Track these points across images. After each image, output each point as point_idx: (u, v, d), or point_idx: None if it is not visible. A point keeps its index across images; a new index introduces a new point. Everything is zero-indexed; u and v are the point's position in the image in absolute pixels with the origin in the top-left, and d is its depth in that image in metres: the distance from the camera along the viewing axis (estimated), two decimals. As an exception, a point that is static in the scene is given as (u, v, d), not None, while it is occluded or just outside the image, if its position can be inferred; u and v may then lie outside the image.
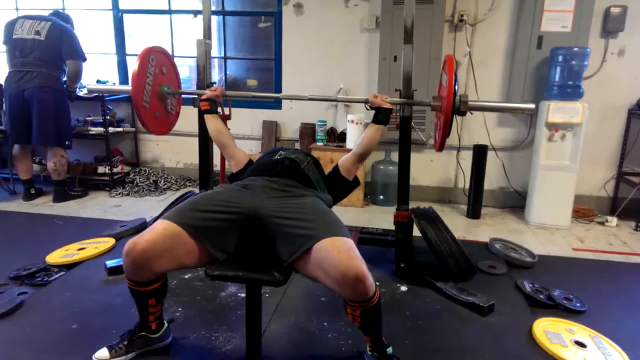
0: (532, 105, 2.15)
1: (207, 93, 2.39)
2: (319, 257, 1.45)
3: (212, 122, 2.33)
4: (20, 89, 3.51)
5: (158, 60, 2.41)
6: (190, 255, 1.56)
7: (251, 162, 2.15)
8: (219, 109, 2.73)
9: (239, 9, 4.38)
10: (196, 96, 2.61)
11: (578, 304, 2.23)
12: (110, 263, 2.46)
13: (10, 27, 3.58)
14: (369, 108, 2.27)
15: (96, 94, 4.02)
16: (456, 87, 1.99)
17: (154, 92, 2.41)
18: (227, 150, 2.24)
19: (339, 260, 1.39)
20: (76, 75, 3.72)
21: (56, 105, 3.59)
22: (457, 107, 2.03)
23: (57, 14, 3.80)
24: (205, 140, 2.64)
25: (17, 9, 4.63)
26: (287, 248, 1.54)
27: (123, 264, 1.54)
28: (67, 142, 3.76)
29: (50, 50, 3.55)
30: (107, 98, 4.10)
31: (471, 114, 2.16)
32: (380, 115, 2.20)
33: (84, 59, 3.73)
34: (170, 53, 4.35)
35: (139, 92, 2.28)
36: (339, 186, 2.12)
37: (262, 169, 1.93)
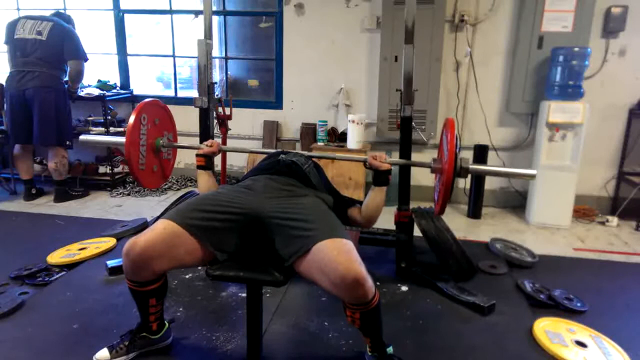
0: (534, 172, 2.06)
1: (204, 149, 2.20)
2: (318, 259, 1.45)
3: (203, 179, 2.15)
4: (21, 89, 3.52)
5: (150, 115, 2.29)
6: (190, 254, 1.56)
7: None
8: (220, 109, 2.75)
9: (240, 9, 4.38)
10: (196, 96, 2.62)
11: (579, 304, 2.23)
12: (111, 263, 2.47)
13: (12, 27, 3.59)
14: (367, 167, 2.14)
15: (97, 95, 4.03)
16: (457, 151, 1.95)
17: (149, 146, 2.30)
18: None
19: (338, 263, 1.39)
20: (78, 76, 3.72)
21: (57, 105, 3.60)
22: (458, 172, 1.98)
23: (58, 14, 3.81)
24: (205, 140, 2.64)
25: (18, 9, 4.64)
26: (287, 249, 1.54)
27: (123, 264, 1.54)
28: (67, 142, 3.76)
29: (52, 50, 3.56)
30: (107, 98, 4.11)
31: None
32: (381, 177, 2.08)
33: (86, 59, 3.74)
34: (171, 54, 4.41)
35: (134, 156, 2.19)
36: (339, 215, 2.03)
37: (264, 168, 1.95)
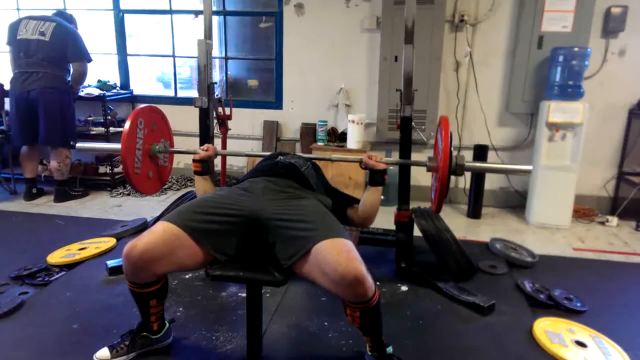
0: (530, 167, 2.09)
1: (200, 154, 2.20)
2: (318, 259, 1.45)
3: (201, 184, 2.16)
4: (25, 90, 3.52)
5: (147, 120, 2.32)
6: (190, 257, 1.56)
7: None
8: (220, 109, 2.75)
9: (239, 9, 4.38)
10: (196, 96, 2.62)
11: (578, 304, 2.23)
12: (111, 263, 2.47)
13: (15, 27, 3.58)
14: (363, 168, 2.15)
15: (97, 95, 4.03)
16: (452, 149, 1.95)
17: (145, 152, 2.32)
18: None
19: (338, 262, 1.39)
20: (81, 77, 3.73)
21: (62, 106, 3.60)
22: (454, 170, 1.99)
23: (60, 14, 3.80)
24: (205, 141, 2.64)
25: (18, 9, 4.64)
26: (286, 250, 1.54)
27: (123, 266, 1.55)
28: (72, 142, 3.77)
29: (55, 51, 3.55)
30: (107, 98, 4.11)
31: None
32: (377, 177, 2.07)
33: (89, 60, 3.73)
34: (171, 54, 4.41)
35: (130, 160, 2.20)
36: (337, 213, 2.01)
37: (262, 170, 1.95)
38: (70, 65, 3.67)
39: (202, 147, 2.26)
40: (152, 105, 2.41)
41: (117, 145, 2.19)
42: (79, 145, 2.47)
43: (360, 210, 2.07)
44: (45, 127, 3.57)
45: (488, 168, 2.34)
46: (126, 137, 2.15)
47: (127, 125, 2.16)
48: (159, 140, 2.43)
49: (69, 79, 3.72)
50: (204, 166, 2.19)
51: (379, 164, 2.08)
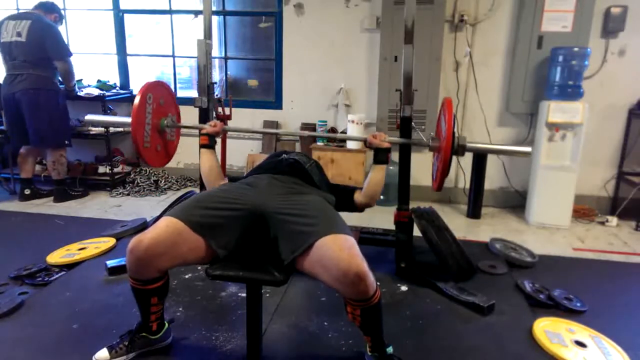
0: (529, 149, 2.21)
1: (207, 128, 2.28)
2: (320, 254, 1.45)
3: (207, 158, 2.20)
4: (11, 92, 3.49)
5: (155, 95, 2.36)
6: (193, 251, 1.57)
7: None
8: (220, 109, 2.75)
9: (239, 9, 4.38)
10: (196, 96, 2.62)
11: (578, 304, 2.23)
12: (111, 263, 2.47)
13: None
14: (367, 146, 2.25)
15: (97, 95, 4.03)
16: (454, 130, 2.00)
17: (154, 126, 2.38)
18: (212, 186, 2.12)
19: (341, 258, 1.40)
20: (68, 75, 3.68)
21: (49, 106, 3.54)
22: (455, 150, 2.05)
23: (40, 6, 3.67)
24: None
25: (18, 9, 4.63)
26: (289, 245, 1.55)
27: (127, 261, 1.55)
28: (65, 142, 3.75)
29: (34, 50, 3.46)
30: (107, 98, 4.11)
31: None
32: (380, 155, 2.18)
33: (70, 54, 3.62)
34: (171, 54, 4.41)
35: (140, 135, 2.27)
36: (344, 204, 2.14)
37: (266, 167, 1.97)
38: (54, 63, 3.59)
39: (209, 123, 2.34)
40: (160, 80, 2.46)
41: (127, 119, 2.26)
42: (88, 117, 2.53)
43: (365, 190, 2.16)
44: (33, 129, 3.53)
45: (488, 149, 2.45)
46: (136, 112, 2.21)
47: (137, 100, 2.22)
48: (167, 114, 2.48)
49: (59, 78, 3.67)
50: (211, 139, 2.27)
51: (383, 143, 2.19)
